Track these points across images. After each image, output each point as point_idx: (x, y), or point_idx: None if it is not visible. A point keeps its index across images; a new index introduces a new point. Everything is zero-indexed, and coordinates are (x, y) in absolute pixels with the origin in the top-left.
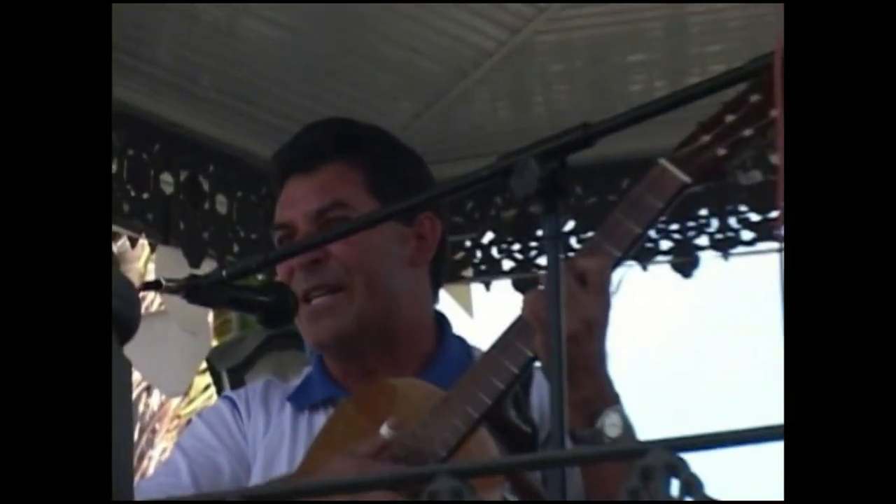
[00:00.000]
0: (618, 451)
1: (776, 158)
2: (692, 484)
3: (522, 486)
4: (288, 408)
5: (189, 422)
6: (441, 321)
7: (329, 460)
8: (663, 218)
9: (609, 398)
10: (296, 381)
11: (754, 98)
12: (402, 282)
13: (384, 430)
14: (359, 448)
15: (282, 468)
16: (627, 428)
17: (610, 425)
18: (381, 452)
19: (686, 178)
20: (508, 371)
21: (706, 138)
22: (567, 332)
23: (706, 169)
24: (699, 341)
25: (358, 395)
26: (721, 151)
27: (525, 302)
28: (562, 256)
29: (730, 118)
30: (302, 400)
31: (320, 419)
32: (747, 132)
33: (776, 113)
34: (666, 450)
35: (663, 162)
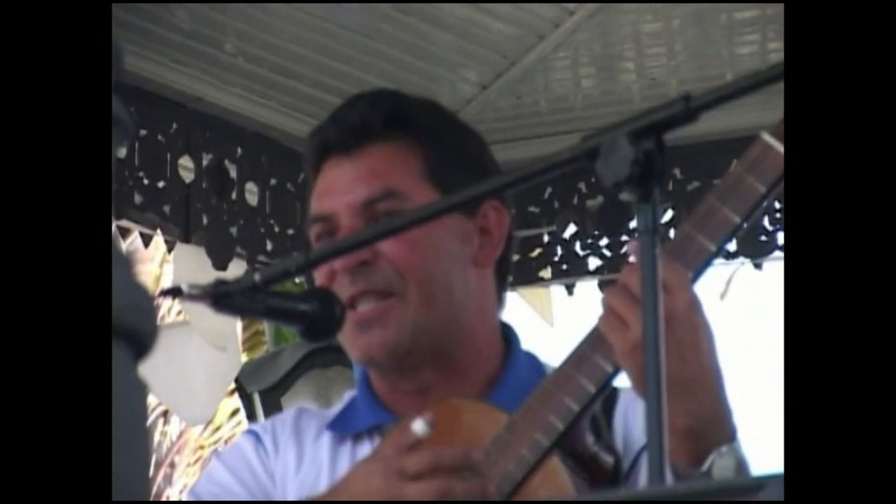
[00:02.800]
0: (734, 487)
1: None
2: None
3: None
4: (326, 437)
5: (210, 458)
6: (508, 333)
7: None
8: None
9: (724, 431)
10: (337, 408)
11: None
12: (464, 286)
13: (417, 425)
14: (408, 461)
15: None
16: (744, 473)
17: (721, 468)
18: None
19: None
20: (584, 390)
21: None
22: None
23: None
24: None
25: (409, 419)
26: None
27: (606, 300)
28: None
29: None
30: (345, 427)
31: (365, 451)
32: None
33: None
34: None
35: (765, 136)
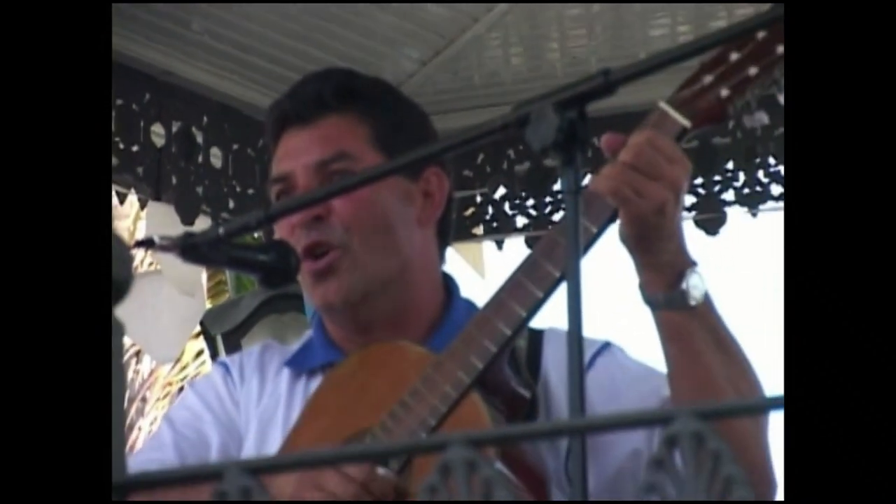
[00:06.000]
0: (643, 419)
1: (784, 99)
2: (720, 454)
3: (515, 457)
4: (285, 373)
5: (181, 390)
6: (448, 283)
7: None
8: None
9: (688, 261)
10: (295, 346)
11: (760, 35)
12: (409, 241)
13: (380, 469)
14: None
15: (276, 435)
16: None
17: (693, 286)
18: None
19: (686, 122)
20: (501, 333)
21: (709, 79)
22: (656, 202)
23: (707, 111)
24: (725, 303)
25: (353, 357)
26: (724, 92)
27: (603, 177)
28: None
29: (734, 56)
30: (300, 365)
31: (317, 384)
32: (752, 70)
33: (782, 49)
34: (693, 417)
35: (663, 105)
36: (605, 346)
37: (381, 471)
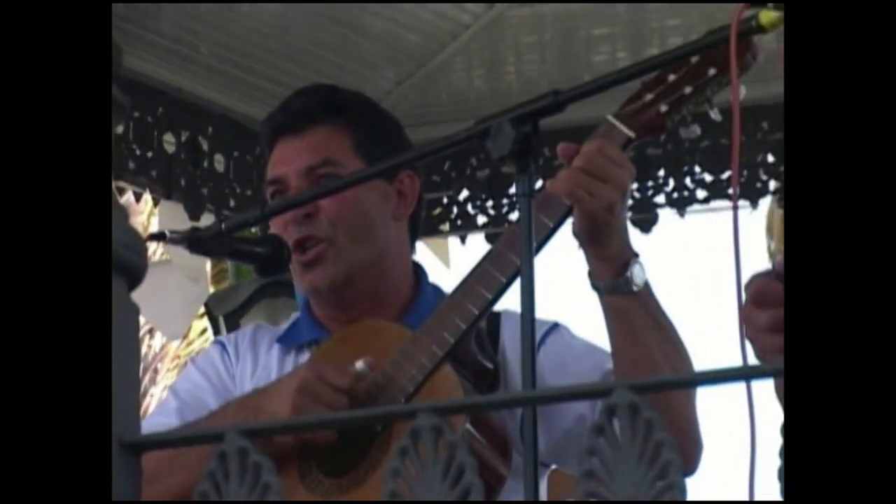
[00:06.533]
0: (585, 392)
1: (714, 114)
2: (653, 422)
3: (482, 420)
4: (276, 349)
5: (186, 363)
6: (418, 271)
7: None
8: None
9: (632, 252)
10: (284, 325)
11: (694, 59)
12: (385, 234)
13: (358, 364)
14: (333, 378)
15: None
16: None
17: (636, 274)
18: (355, 383)
19: (630, 133)
20: (470, 312)
21: (649, 96)
22: (606, 202)
23: (649, 124)
24: (657, 290)
25: (339, 333)
26: (662, 108)
27: (559, 180)
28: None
29: (671, 77)
30: (290, 342)
31: (306, 359)
32: (687, 89)
33: (713, 72)
34: (629, 390)
35: (610, 118)
36: (555, 326)
37: (358, 366)
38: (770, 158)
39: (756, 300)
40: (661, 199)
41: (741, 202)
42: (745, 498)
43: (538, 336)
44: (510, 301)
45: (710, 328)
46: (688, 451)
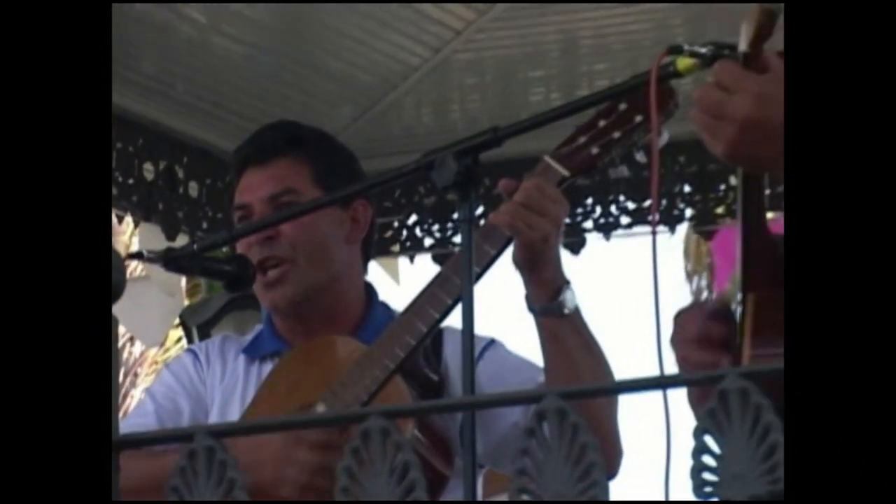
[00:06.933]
0: (519, 397)
1: (640, 156)
2: (578, 426)
3: (427, 427)
4: (241, 358)
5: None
6: (370, 290)
7: (275, 407)
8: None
9: (564, 279)
10: (249, 337)
11: (622, 106)
12: (339, 257)
13: (319, 408)
14: (308, 436)
15: (235, 408)
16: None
17: (568, 299)
18: (327, 442)
19: (565, 172)
20: (419, 330)
21: (582, 139)
22: (542, 234)
23: (581, 164)
24: (586, 310)
25: (299, 348)
26: (594, 150)
27: (501, 213)
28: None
29: (602, 123)
30: (254, 352)
31: (268, 368)
32: (616, 134)
33: (639, 119)
34: (558, 396)
35: (547, 158)
36: (492, 342)
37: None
38: (686, 189)
39: (700, 338)
40: (589, 224)
41: (660, 228)
42: (661, 497)
43: (477, 350)
44: (453, 319)
45: (630, 337)
46: (609, 457)
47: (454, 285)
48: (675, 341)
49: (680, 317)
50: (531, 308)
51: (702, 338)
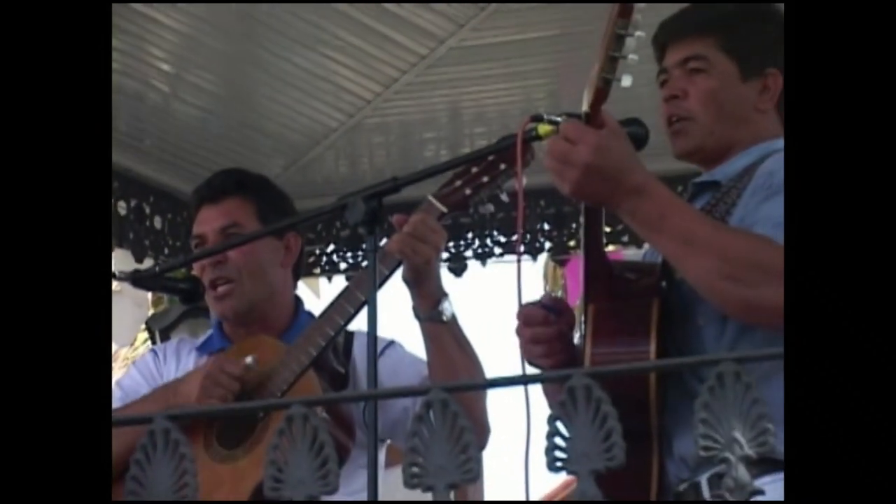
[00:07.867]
0: (411, 391)
1: (504, 197)
2: (457, 414)
3: (333, 409)
4: (194, 355)
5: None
6: (297, 301)
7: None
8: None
9: (443, 292)
10: (202, 338)
11: (490, 157)
12: (275, 277)
13: (247, 359)
14: (230, 367)
15: None
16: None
17: (446, 308)
18: (245, 372)
19: (444, 209)
20: (327, 333)
21: (458, 182)
22: (424, 258)
23: (457, 203)
24: (465, 321)
25: (237, 344)
26: (467, 191)
27: (393, 241)
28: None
29: (474, 170)
30: (205, 349)
31: None
32: (485, 179)
33: (503, 167)
34: (442, 390)
35: (430, 197)
36: (391, 343)
37: (247, 360)
38: (546, 226)
39: (524, 321)
40: (469, 253)
41: (525, 257)
42: (521, 473)
43: (379, 349)
44: (360, 323)
45: (501, 343)
46: (480, 434)
47: (356, 298)
48: (518, 329)
49: (519, 308)
50: (417, 316)
51: (526, 316)
